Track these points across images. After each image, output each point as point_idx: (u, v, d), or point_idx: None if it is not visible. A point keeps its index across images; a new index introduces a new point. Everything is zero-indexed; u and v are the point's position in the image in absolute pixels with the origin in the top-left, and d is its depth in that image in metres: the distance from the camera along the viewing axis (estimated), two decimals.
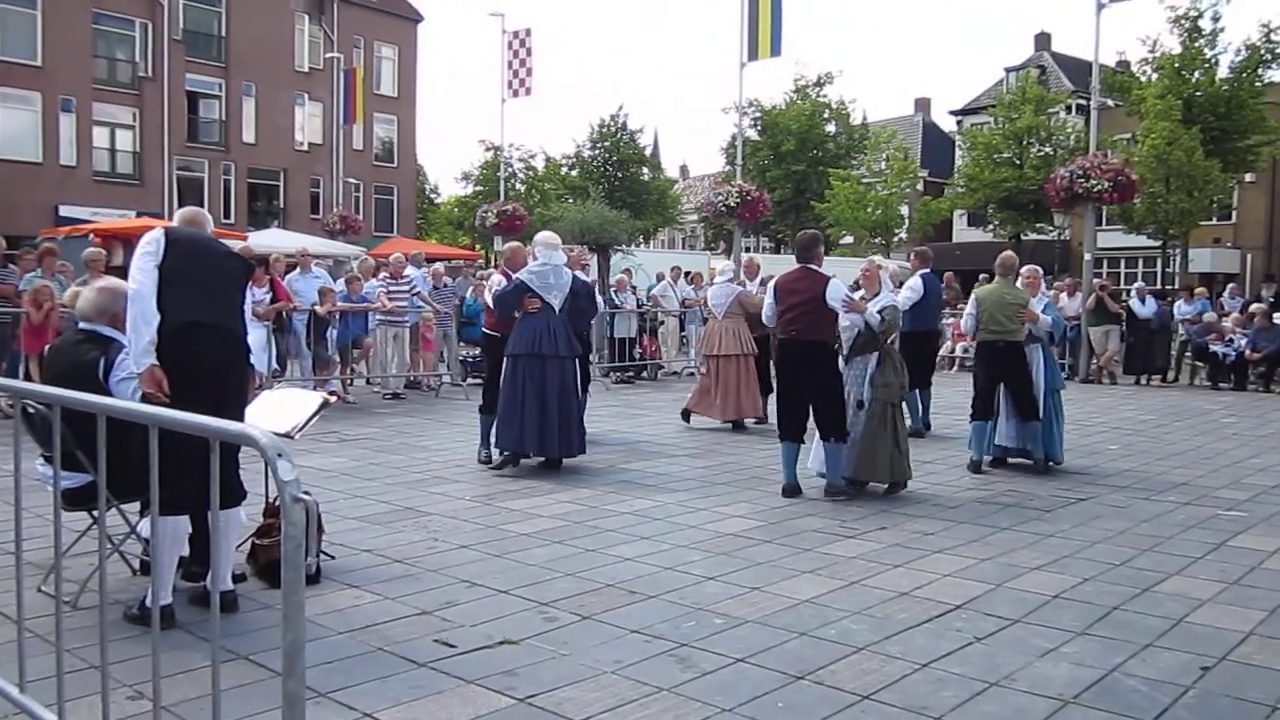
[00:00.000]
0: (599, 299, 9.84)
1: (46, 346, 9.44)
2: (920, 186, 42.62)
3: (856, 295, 7.57)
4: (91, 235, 17.57)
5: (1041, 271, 9.46)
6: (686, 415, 11.10)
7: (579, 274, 8.69)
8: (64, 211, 31.00)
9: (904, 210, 38.82)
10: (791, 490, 7.42)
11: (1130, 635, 4.42)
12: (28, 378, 9.74)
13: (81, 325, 4.89)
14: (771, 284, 7.91)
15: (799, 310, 7.42)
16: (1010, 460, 8.76)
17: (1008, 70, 46.19)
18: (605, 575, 5.24)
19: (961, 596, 4.95)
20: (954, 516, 6.80)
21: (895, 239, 39.13)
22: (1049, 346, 8.94)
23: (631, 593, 4.96)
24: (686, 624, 4.50)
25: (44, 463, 4.60)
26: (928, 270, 10.88)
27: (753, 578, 5.24)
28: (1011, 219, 38.02)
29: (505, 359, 8.17)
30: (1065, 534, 6.32)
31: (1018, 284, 8.84)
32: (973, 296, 9.16)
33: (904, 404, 7.87)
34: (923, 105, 54.98)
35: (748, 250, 29.07)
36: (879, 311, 7.45)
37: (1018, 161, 37.16)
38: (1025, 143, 37.25)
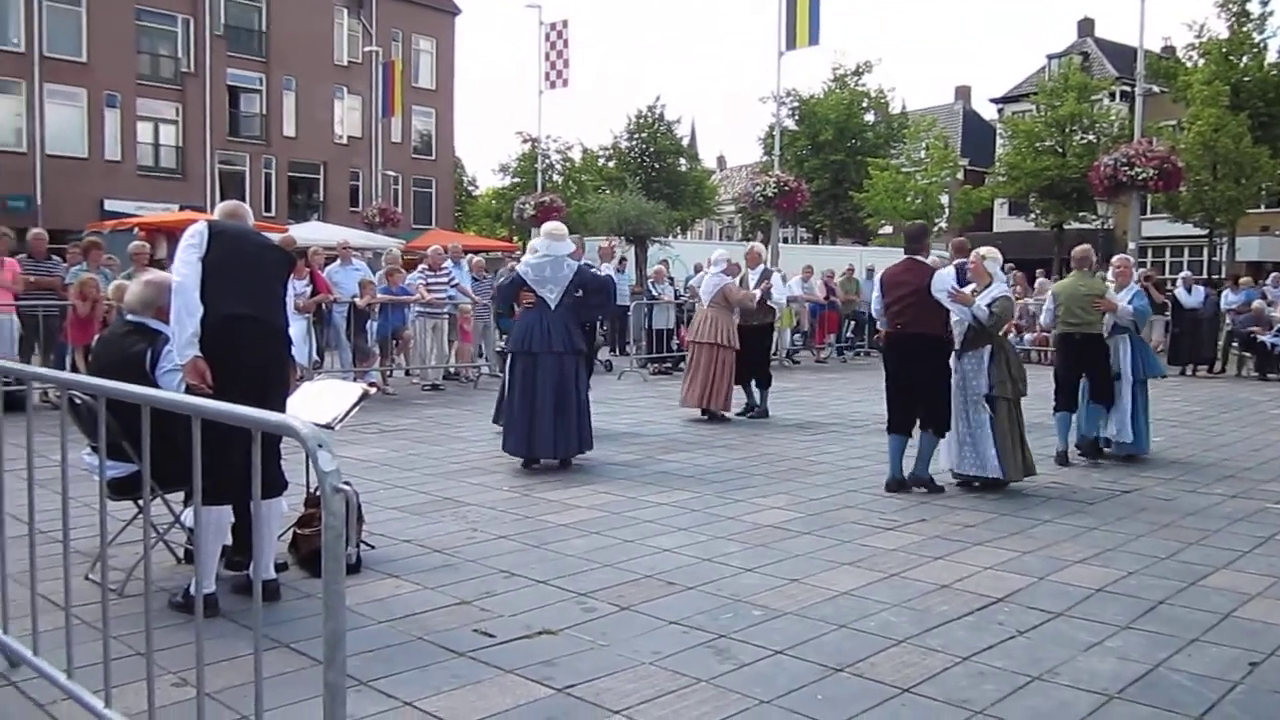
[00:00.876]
0: (622, 289, 9.75)
1: (94, 339, 9.61)
2: (960, 175, 42.26)
3: (968, 289, 7.37)
4: (136, 229, 17.80)
5: (1133, 261, 9.27)
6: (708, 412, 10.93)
7: (591, 265, 8.39)
8: (109, 205, 31.50)
9: (944, 199, 38.50)
10: (895, 485, 7.28)
11: (1176, 630, 4.35)
12: (74, 369, 9.90)
13: (128, 318, 4.96)
14: (878, 276, 7.92)
15: (905, 303, 7.31)
16: (1106, 451, 8.68)
17: (1050, 57, 45.56)
18: (643, 566, 5.24)
19: (1003, 589, 4.90)
20: (995, 509, 6.73)
21: (935, 228, 38.78)
22: (1138, 336, 8.74)
23: (670, 584, 4.95)
24: (725, 615, 4.49)
25: (90, 453, 4.67)
26: (965, 260, 10.80)
27: (791, 569, 5.22)
28: (1053, 208, 37.58)
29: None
30: (1109, 527, 6.24)
31: (1108, 274, 8.87)
32: (1050, 291, 9.26)
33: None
34: (963, 93, 54.41)
35: (785, 241, 28.95)
36: (989, 304, 7.19)
37: (1060, 150, 36.71)
38: (1068, 130, 36.78)
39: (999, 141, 42.39)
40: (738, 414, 10.97)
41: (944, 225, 39.74)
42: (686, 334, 11.92)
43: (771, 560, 5.39)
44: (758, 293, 11.01)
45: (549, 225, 8.34)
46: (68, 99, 32.71)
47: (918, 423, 7.38)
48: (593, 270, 8.23)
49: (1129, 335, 8.68)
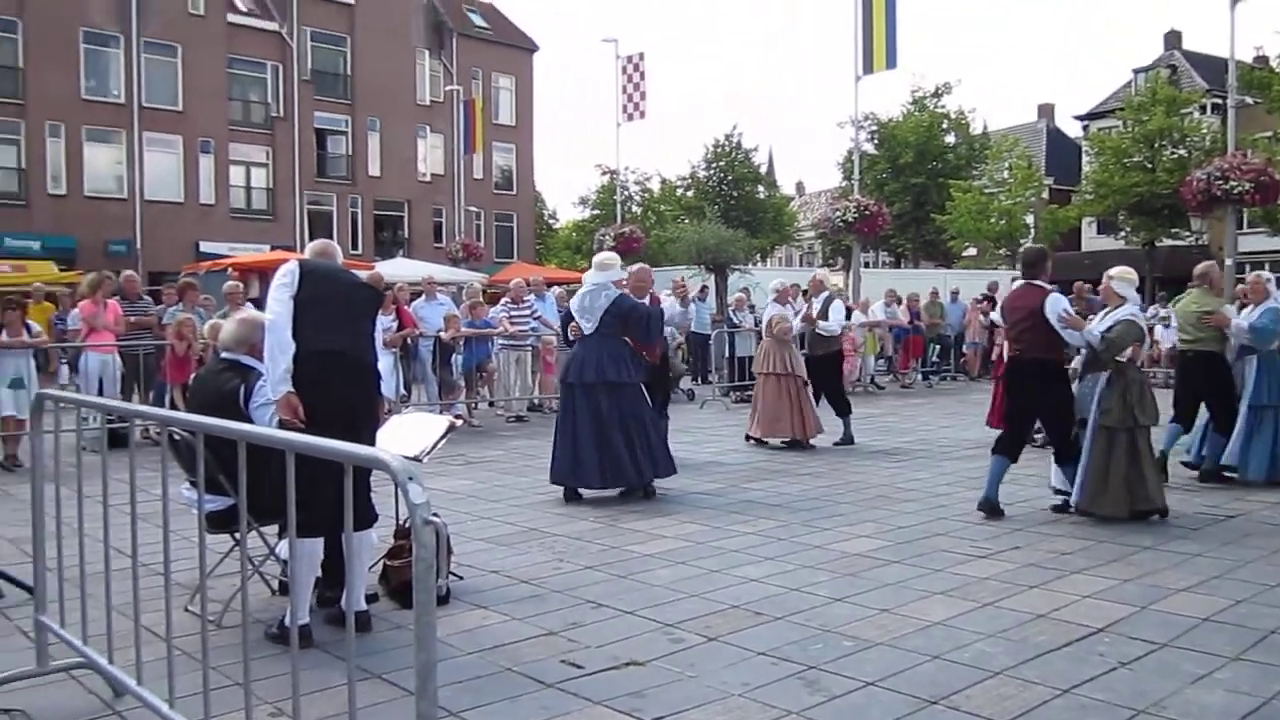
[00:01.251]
0: (703, 317, 9.69)
1: (191, 376, 9.91)
2: (1045, 195, 41.47)
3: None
4: (230, 269, 18.39)
5: (1268, 276, 8.84)
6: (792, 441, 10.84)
7: (629, 294, 8.00)
8: (204, 247, 32.59)
9: (1029, 220, 37.79)
10: (987, 506, 7.15)
11: None
12: (173, 406, 10.22)
13: (223, 355, 5.11)
14: (1000, 302, 8.00)
15: (1020, 328, 7.22)
16: (1225, 475, 8.39)
17: (1136, 71, 44.57)
18: (730, 596, 5.20)
19: (1103, 619, 4.75)
20: (1093, 535, 6.53)
21: (1021, 249, 38.09)
22: (1272, 357, 8.25)
23: (757, 614, 4.90)
24: (814, 646, 4.42)
25: (189, 487, 4.81)
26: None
27: (881, 599, 5.13)
28: (1144, 225, 36.60)
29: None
30: (1214, 553, 6.01)
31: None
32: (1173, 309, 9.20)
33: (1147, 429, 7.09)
34: (1046, 111, 53.45)
35: (867, 265, 28.69)
36: (1106, 330, 6.94)
37: (1149, 165, 35.78)
38: (1157, 145, 35.85)
39: (1085, 159, 41.53)
40: (834, 443, 10.85)
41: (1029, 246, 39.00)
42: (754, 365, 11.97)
43: (861, 590, 5.30)
44: (790, 325, 11.02)
45: (598, 256, 8.43)
46: (165, 146, 34.02)
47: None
48: (629, 300, 7.95)
49: (1259, 356, 8.27)
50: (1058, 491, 7.36)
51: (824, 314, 11.02)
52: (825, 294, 11.44)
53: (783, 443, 10.75)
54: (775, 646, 4.41)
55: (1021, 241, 37.52)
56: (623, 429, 7.72)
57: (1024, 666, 4.14)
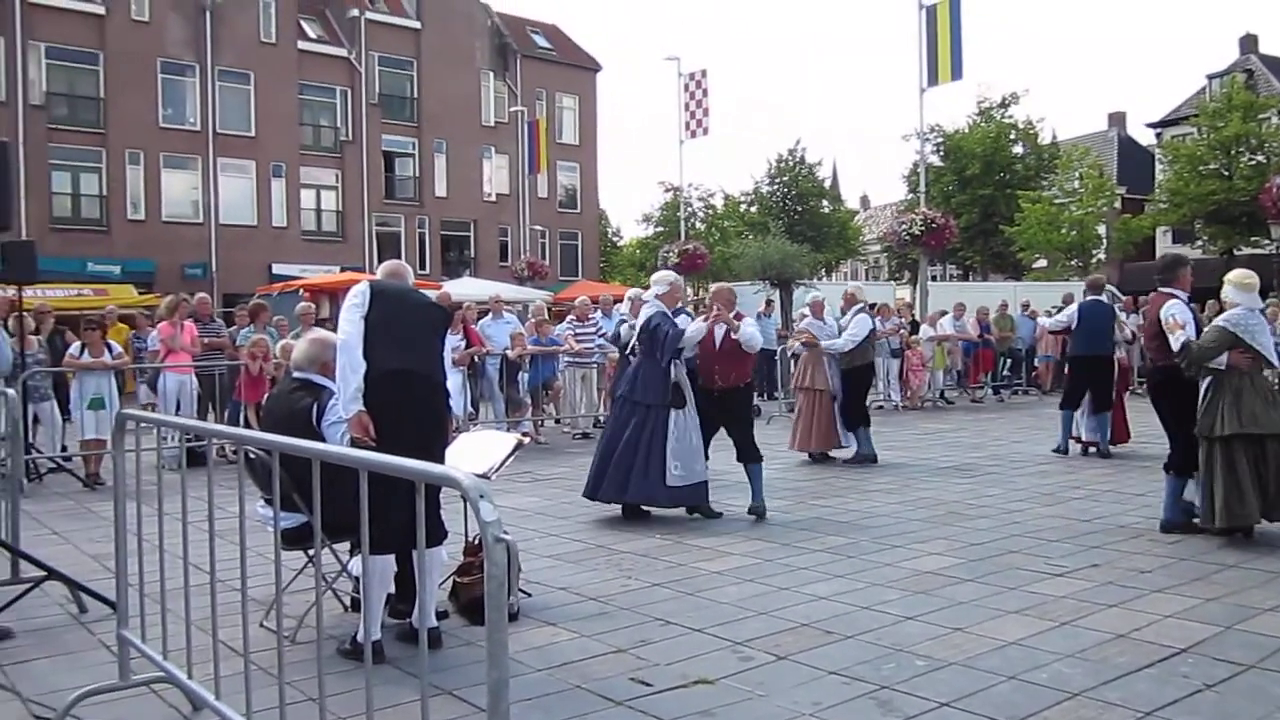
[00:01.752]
0: (768, 333, 9.57)
1: (264, 396, 10.12)
2: (1118, 204, 40.58)
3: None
4: (301, 290, 18.75)
5: None
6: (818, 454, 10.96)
7: (665, 312, 7.88)
8: (276, 269, 33.30)
9: (1101, 230, 37.03)
10: (1167, 526, 6.99)
11: None
12: (247, 425, 10.43)
13: (295, 375, 5.20)
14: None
15: (1149, 334, 7.28)
16: None
17: (1210, 77, 43.49)
18: (799, 614, 5.15)
19: (1186, 639, 4.61)
20: (1172, 553, 6.36)
21: (1093, 260, 37.33)
22: None
23: (828, 632, 4.84)
24: (886, 665, 4.36)
25: (264, 504, 4.90)
26: (1088, 298, 11.07)
27: (955, 618, 5.04)
28: (1222, 233, 35.63)
29: None
30: None
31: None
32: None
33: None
34: (1117, 119, 52.39)
35: (934, 278, 28.34)
36: (1188, 339, 6.67)
37: (1226, 172, 34.86)
38: (1234, 152, 34.92)
39: (1158, 167, 40.60)
40: (845, 461, 10.76)
41: (1102, 256, 38.22)
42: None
43: (933, 608, 5.21)
44: (795, 343, 11.28)
45: (656, 274, 8.60)
46: (239, 171, 34.89)
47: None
48: (653, 319, 7.78)
49: None
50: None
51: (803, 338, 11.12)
52: (857, 307, 11.34)
53: (810, 455, 10.93)
54: (846, 666, 4.36)
55: (1093, 252, 36.81)
56: (632, 446, 7.63)
57: (1104, 688, 4.03)
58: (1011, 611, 5.13)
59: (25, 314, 10.44)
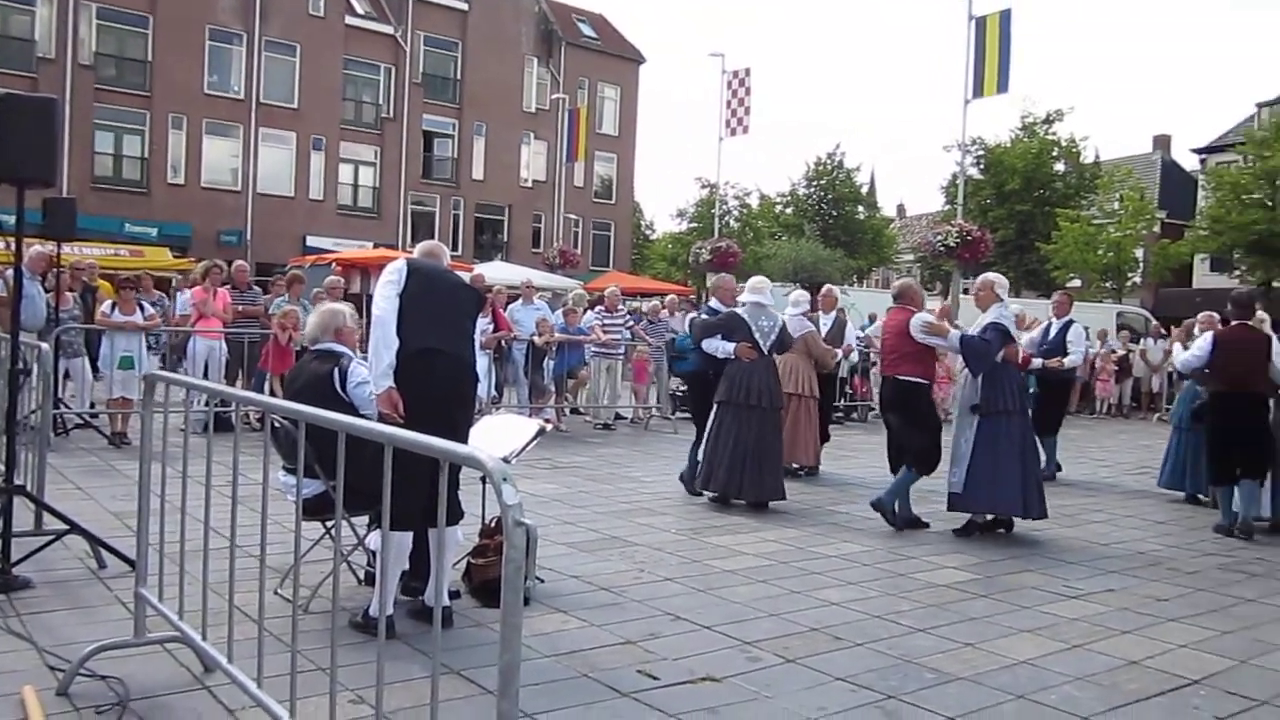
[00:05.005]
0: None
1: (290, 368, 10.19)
2: (1157, 228, 40.15)
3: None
4: (334, 264, 18.84)
5: None
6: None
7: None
8: (310, 241, 33.54)
9: (1138, 253, 36.65)
10: (1226, 530, 7.88)
11: None
12: (271, 395, 10.50)
13: (312, 348, 5.25)
14: (1209, 336, 8.30)
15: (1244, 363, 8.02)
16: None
17: (1260, 105, 42.92)
18: (810, 618, 5.14)
19: (1200, 670, 4.57)
20: (1191, 583, 6.30)
21: (1128, 283, 36.97)
22: None
23: (837, 638, 4.84)
24: (894, 676, 4.34)
25: (285, 473, 4.94)
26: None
27: (966, 633, 5.01)
28: (1261, 264, 35.14)
29: None
30: None
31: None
32: None
33: None
34: (1162, 143, 51.82)
35: (966, 292, 28.14)
36: None
37: (1270, 203, 34.36)
38: (1278, 183, 34.45)
39: (1201, 193, 40.11)
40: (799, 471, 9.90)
41: (1138, 280, 37.84)
42: None
43: (945, 622, 5.19)
44: (839, 351, 10.72)
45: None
46: (279, 142, 35.16)
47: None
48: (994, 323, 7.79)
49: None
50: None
51: (836, 336, 10.93)
52: (835, 313, 11.21)
53: (799, 468, 9.85)
54: (854, 673, 4.35)
55: (1129, 275, 36.41)
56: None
57: (1113, 713, 4.01)
58: (1024, 630, 5.10)
59: (62, 270, 10.56)
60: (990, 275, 7.90)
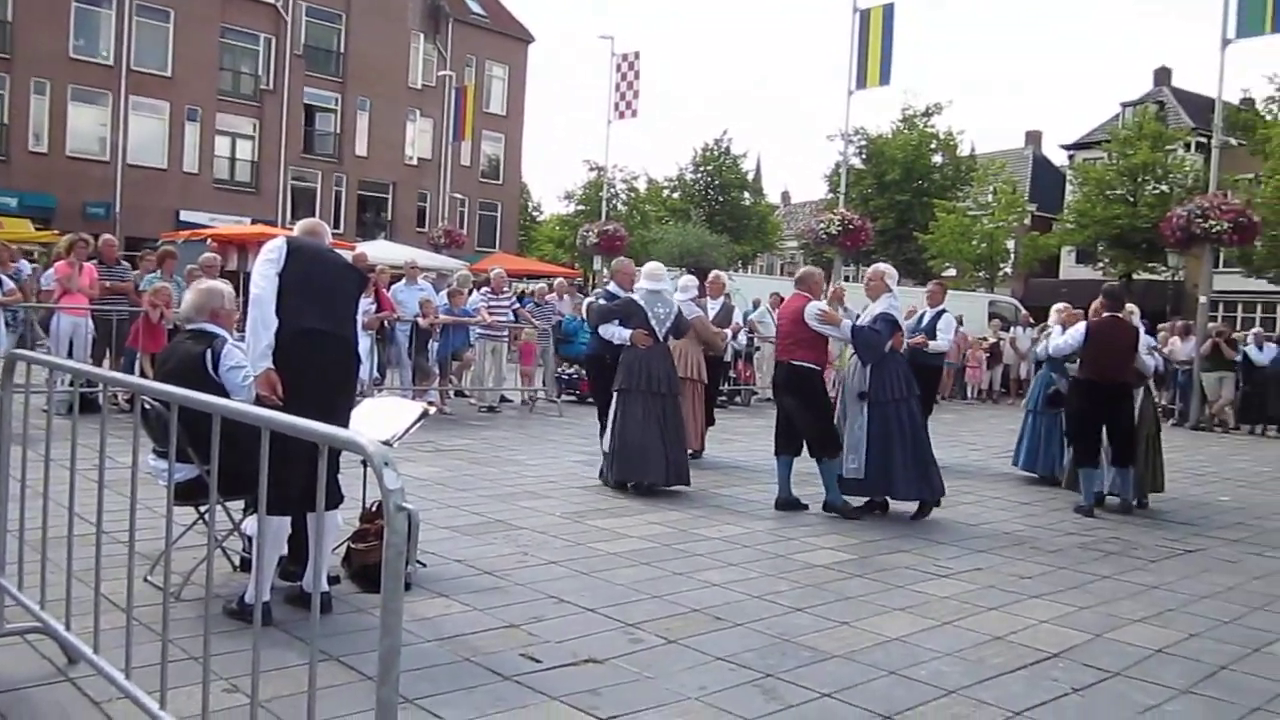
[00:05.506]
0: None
1: (163, 346, 9.82)
2: (1028, 221, 41.72)
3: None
4: (209, 240, 18.23)
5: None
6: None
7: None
8: (184, 216, 32.38)
9: (1010, 244, 38.04)
10: (1086, 511, 8.27)
11: (1238, 697, 4.22)
12: (142, 375, 10.12)
13: (187, 326, 5.07)
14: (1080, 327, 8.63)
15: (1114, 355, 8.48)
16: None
17: (1124, 105, 44.99)
18: (692, 600, 5.22)
19: (1059, 645, 4.80)
20: (1053, 561, 6.60)
21: (1000, 273, 38.33)
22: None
23: (718, 619, 4.92)
24: (773, 655, 4.45)
25: (155, 456, 4.78)
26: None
27: (842, 612, 5.16)
28: (1122, 257, 36.93)
29: None
30: (1171, 586, 6.08)
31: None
32: None
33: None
34: (1033, 138, 53.84)
35: (847, 279, 28.80)
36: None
37: (1131, 199, 36.12)
38: (1140, 180, 36.19)
39: (1068, 188, 41.86)
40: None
41: (1009, 270, 39.27)
42: None
43: (822, 601, 5.33)
44: (729, 333, 10.91)
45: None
46: (151, 111, 33.77)
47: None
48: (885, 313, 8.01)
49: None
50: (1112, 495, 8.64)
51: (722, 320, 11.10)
52: (723, 299, 11.44)
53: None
54: (734, 652, 4.43)
55: (1000, 265, 37.76)
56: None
57: (978, 687, 4.18)
58: (896, 609, 5.28)
59: None
60: (881, 265, 8.15)
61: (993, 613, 5.30)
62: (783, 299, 11.13)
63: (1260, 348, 17.11)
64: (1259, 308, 37.80)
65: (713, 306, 11.39)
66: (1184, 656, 4.73)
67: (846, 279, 27.91)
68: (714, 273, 12.56)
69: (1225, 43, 17.30)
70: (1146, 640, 4.94)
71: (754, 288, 23.46)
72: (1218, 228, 17.13)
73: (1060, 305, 10.13)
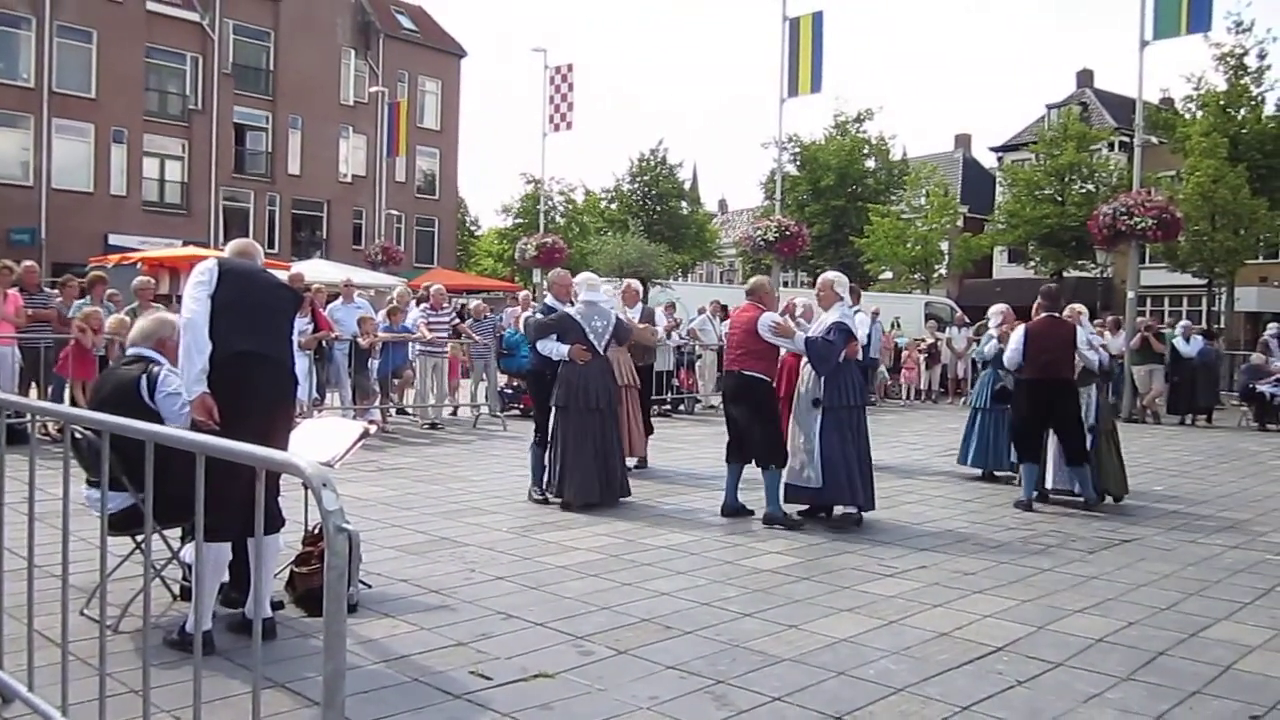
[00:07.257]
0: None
1: (94, 373, 9.61)
2: (960, 223, 42.43)
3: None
4: (140, 264, 17.87)
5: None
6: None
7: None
8: (113, 240, 31.62)
9: (944, 246, 38.65)
10: (1025, 505, 8.48)
11: (1177, 681, 4.33)
12: (73, 403, 9.89)
13: (129, 351, 4.98)
14: (1021, 329, 8.87)
15: (1050, 354, 8.62)
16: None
17: (1049, 107, 46.01)
18: (641, 610, 5.22)
19: (1003, 638, 4.88)
20: (995, 556, 6.71)
21: (935, 275, 38.92)
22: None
23: (667, 628, 4.93)
24: (723, 661, 4.46)
25: (89, 487, 4.67)
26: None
27: (790, 615, 5.19)
28: (1053, 255, 37.72)
29: None
30: (1109, 576, 6.21)
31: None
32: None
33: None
34: (963, 141, 54.83)
35: (785, 284, 29.03)
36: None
37: (1059, 198, 36.93)
38: (1067, 180, 37.02)
39: (998, 189, 42.66)
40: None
41: (944, 272, 39.89)
42: None
43: (770, 605, 5.36)
44: (661, 330, 10.93)
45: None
46: (75, 134, 32.99)
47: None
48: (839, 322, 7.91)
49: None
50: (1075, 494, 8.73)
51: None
52: (640, 306, 11.48)
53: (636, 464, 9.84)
54: (684, 660, 4.44)
55: (935, 267, 38.35)
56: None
57: (925, 684, 4.23)
58: (843, 610, 5.33)
59: None
60: (830, 274, 8.11)
61: (938, 609, 5.37)
62: (723, 306, 11.18)
63: (1187, 340, 17.57)
64: (1185, 301, 38.79)
65: (633, 315, 11.39)
66: (1124, 645, 4.83)
67: (785, 284, 28.12)
68: (626, 281, 12.47)
69: (1144, 44, 17.76)
70: (1087, 630, 5.04)
71: (694, 296, 23.59)
72: (1143, 224, 17.55)
73: (998, 308, 10.31)
